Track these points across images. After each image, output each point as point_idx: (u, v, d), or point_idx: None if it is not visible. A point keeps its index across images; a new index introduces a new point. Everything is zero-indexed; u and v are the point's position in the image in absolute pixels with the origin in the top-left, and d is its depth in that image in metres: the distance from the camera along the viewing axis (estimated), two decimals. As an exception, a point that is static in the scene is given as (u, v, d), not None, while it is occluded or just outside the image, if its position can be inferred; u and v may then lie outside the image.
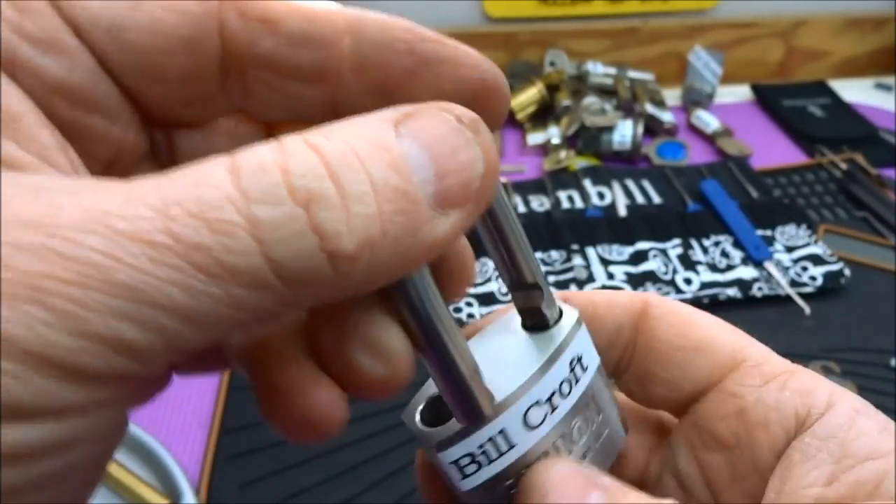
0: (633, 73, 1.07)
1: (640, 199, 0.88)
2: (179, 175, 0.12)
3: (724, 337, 0.20)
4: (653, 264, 0.76)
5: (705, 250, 0.79)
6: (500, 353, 0.20)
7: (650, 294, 0.21)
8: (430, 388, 0.20)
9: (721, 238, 0.80)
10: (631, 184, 0.90)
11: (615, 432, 0.21)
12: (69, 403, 0.11)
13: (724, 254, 0.78)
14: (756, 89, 1.11)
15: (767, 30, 1.14)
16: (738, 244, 0.79)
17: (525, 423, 0.18)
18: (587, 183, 0.90)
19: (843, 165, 0.92)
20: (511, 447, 0.19)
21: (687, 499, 0.21)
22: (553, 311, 0.20)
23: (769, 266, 0.75)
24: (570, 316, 0.20)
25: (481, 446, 0.18)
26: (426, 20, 1.16)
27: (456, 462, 0.19)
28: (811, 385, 0.19)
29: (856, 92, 1.10)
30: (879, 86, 1.14)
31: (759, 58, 1.17)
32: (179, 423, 0.63)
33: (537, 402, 0.19)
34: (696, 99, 1.06)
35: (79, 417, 0.11)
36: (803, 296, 0.73)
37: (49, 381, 0.10)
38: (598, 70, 1.06)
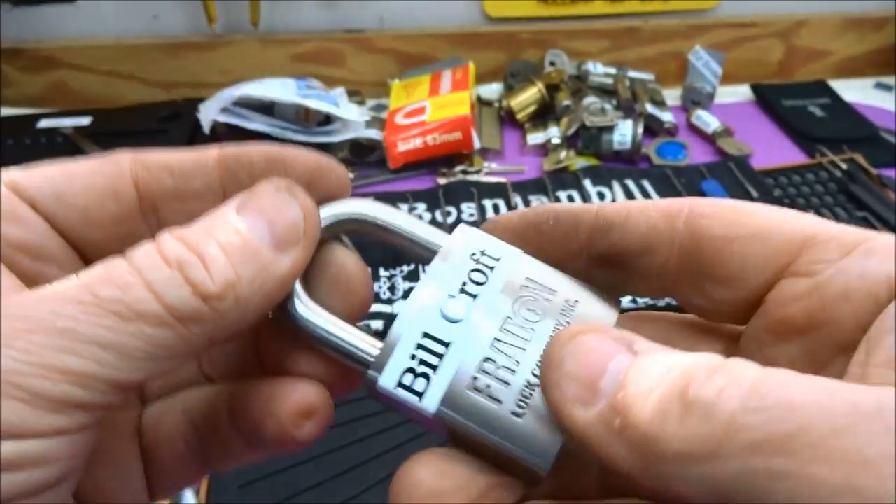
0: (633, 73, 1.07)
1: (640, 199, 0.88)
2: (92, 267, 0.17)
3: (786, 220, 0.18)
4: (653, 264, 0.76)
5: (705, 250, 0.79)
6: None
7: (694, 199, 0.19)
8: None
9: (721, 238, 0.80)
10: (631, 184, 0.90)
11: (595, 307, 0.21)
12: (45, 427, 0.15)
13: (724, 254, 0.78)
14: (756, 89, 1.11)
15: (767, 30, 1.14)
16: (738, 244, 0.79)
17: (445, 318, 0.20)
18: (587, 183, 0.90)
19: (843, 165, 0.92)
20: (447, 345, 0.19)
21: None
22: None
23: (769, 266, 0.75)
24: (457, 230, 0.22)
25: (413, 356, 0.19)
26: (426, 20, 1.16)
27: (400, 383, 0.19)
28: None
29: (856, 92, 1.10)
30: (879, 86, 1.14)
31: (759, 58, 1.17)
32: (179, 423, 0.63)
33: (450, 297, 0.20)
34: (696, 99, 1.05)
35: (55, 438, 0.15)
36: (803, 296, 0.73)
37: (25, 407, 0.15)
38: (598, 70, 1.06)
